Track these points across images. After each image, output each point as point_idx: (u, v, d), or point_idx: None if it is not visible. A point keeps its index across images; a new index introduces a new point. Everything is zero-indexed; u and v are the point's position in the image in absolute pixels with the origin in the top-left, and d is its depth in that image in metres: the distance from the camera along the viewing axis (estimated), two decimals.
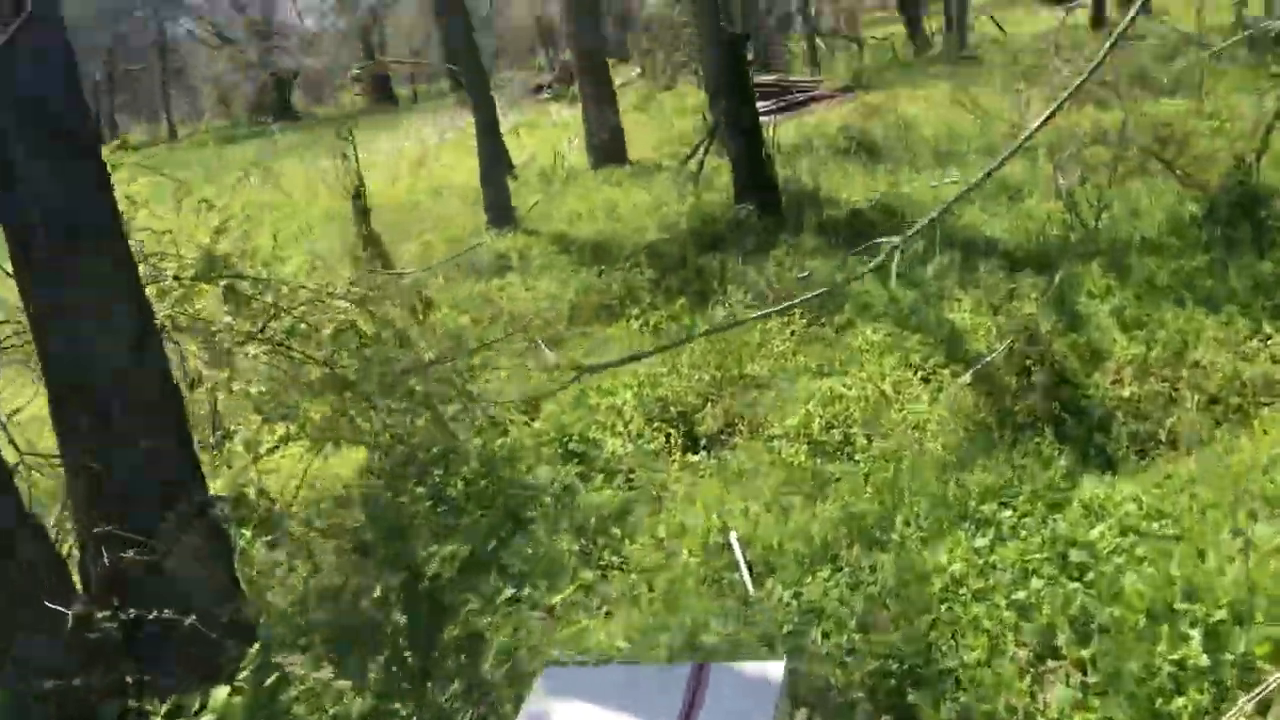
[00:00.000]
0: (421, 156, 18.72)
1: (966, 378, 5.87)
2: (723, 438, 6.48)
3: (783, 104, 18.83)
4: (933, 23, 28.98)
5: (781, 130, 14.33)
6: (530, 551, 4.95)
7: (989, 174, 2.99)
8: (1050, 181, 8.90)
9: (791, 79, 22.03)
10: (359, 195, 5.95)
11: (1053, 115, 2.97)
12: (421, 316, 5.96)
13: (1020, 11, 36.84)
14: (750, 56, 12.28)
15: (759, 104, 12.31)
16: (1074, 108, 13.78)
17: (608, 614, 4.49)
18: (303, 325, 5.11)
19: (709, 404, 6.75)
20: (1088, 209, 8.13)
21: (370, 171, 17.64)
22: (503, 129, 14.33)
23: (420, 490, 5.45)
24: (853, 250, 5.05)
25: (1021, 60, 17.67)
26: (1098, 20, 24.76)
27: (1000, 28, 28.35)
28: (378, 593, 4.43)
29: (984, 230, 9.21)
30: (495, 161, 12.58)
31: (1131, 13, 2.72)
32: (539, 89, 27.78)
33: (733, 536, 4.81)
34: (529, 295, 9.51)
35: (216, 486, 4.56)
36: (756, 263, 9.37)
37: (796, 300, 5.73)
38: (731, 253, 9.82)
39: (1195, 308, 6.58)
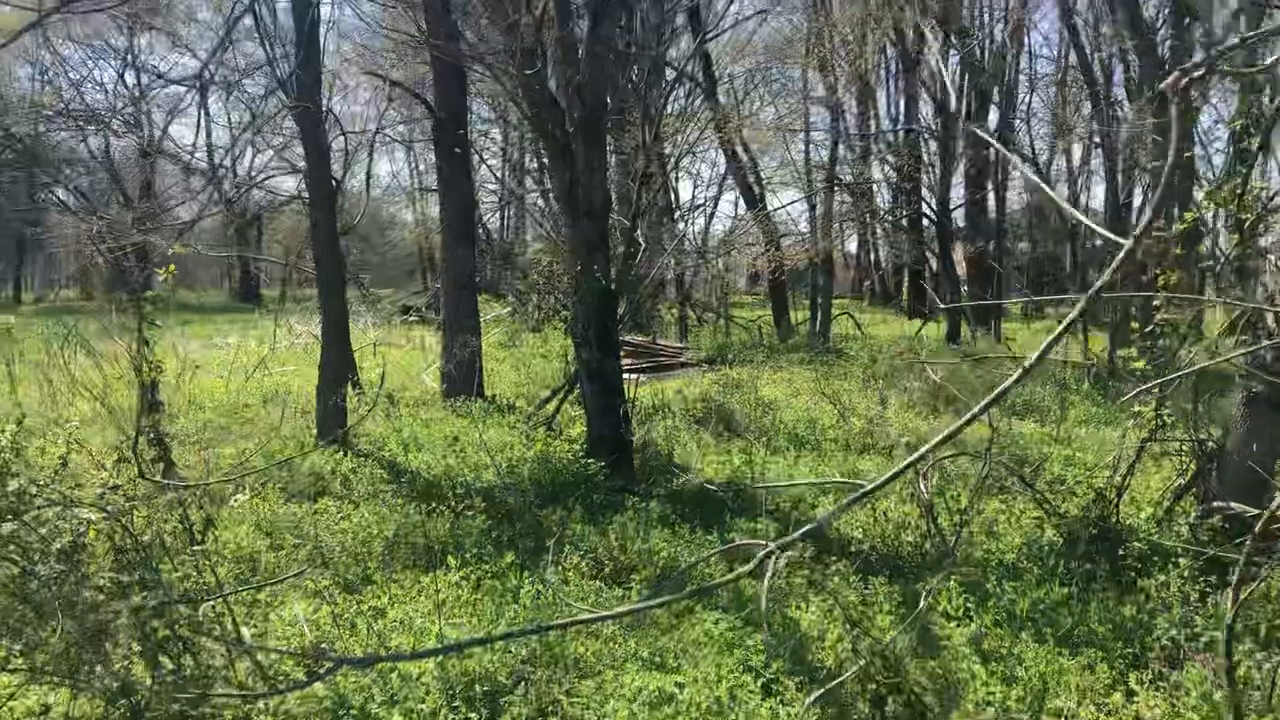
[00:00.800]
0: (264, 359, 17.73)
1: (812, 698, 5.16)
2: None
3: (648, 365, 18.79)
4: (797, 314, 30.24)
5: (643, 390, 14.06)
6: None
7: (892, 478, 2.46)
8: (910, 485, 8.60)
9: (660, 343, 22.23)
10: (152, 387, 5.04)
11: (959, 430, 2.46)
12: (200, 536, 4.98)
13: (876, 313, 39.09)
14: (620, 312, 12.06)
15: (624, 361, 12.02)
16: (935, 415, 14.02)
17: None
18: (40, 531, 4.09)
19: (522, 685, 5.84)
20: (947, 520, 7.79)
21: (206, 368, 16.63)
22: (363, 343, 13.68)
23: None
24: (723, 547, 4.46)
25: (881, 363, 18.28)
26: (952, 335, 26.14)
27: (859, 327, 29.73)
28: None
29: (837, 526, 8.78)
30: (337, 373, 11.78)
31: (1054, 334, 2.28)
32: (407, 310, 27.41)
33: None
34: (343, 526, 8.52)
35: None
36: (600, 525, 8.67)
37: (647, 603, 4.97)
38: (575, 510, 9.13)
39: (1056, 646, 6.13)
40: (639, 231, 14.01)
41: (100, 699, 4.10)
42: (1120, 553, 7.09)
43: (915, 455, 2.54)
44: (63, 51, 42.89)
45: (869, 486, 2.62)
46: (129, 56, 45.39)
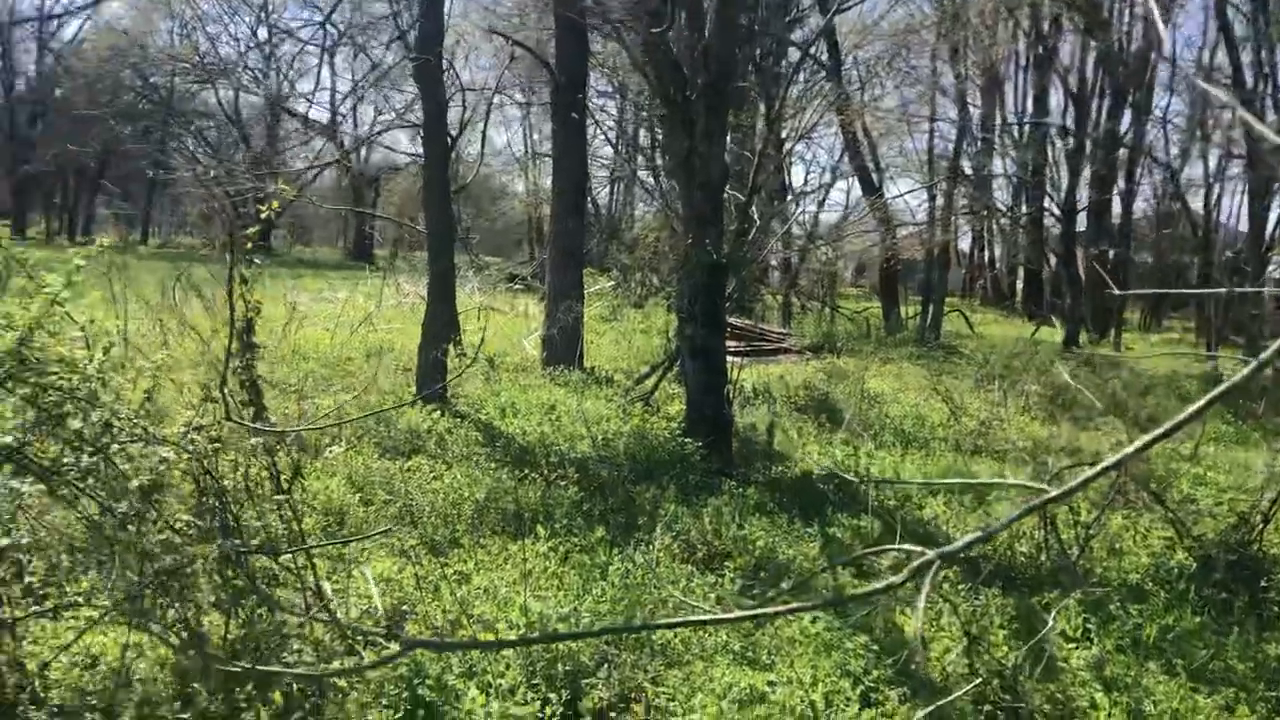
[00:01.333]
0: (369, 315, 17.81)
1: (920, 716, 4.75)
2: (612, 715, 5.26)
3: (751, 349, 18.36)
4: (907, 309, 29.39)
5: (744, 374, 13.67)
6: None
7: (1083, 484, 2.06)
8: (1026, 494, 8.05)
9: (764, 327, 21.76)
10: (247, 327, 4.87)
11: (1172, 432, 2.05)
12: (287, 485, 4.79)
13: (988, 313, 37.87)
14: (729, 290, 11.67)
15: (728, 343, 11.65)
16: (1052, 421, 13.31)
17: None
18: (122, 467, 3.93)
19: (605, 667, 5.55)
20: (1069, 533, 7.25)
21: (313, 320, 16.74)
22: (467, 307, 13.58)
23: (213, 709, 4.14)
24: (871, 549, 4.10)
25: (997, 362, 17.52)
26: (1070, 340, 25.07)
27: (971, 325, 28.76)
28: None
29: (946, 529, 8.30)
30: (439, 331, 11.67)
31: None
32: (513, 278, 27.43)
33: None
34: (434, 485, 8.36)
35: None
36: (694, 507, 8.35)
37: (776, 610, 4.63)
38: (669, 489, 8.82)
39: (1188, 680, 5.59)
40: (753, 209, 13.57)
41: (169, 646, 3.94)
42: (1263, 584, 6.48)
43: (1112, 460, 2.15)
44: (201, 6, 44.12)
45: (1053, 493, 2.24)
46: (262, 12, 46.49)
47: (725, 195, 10.92)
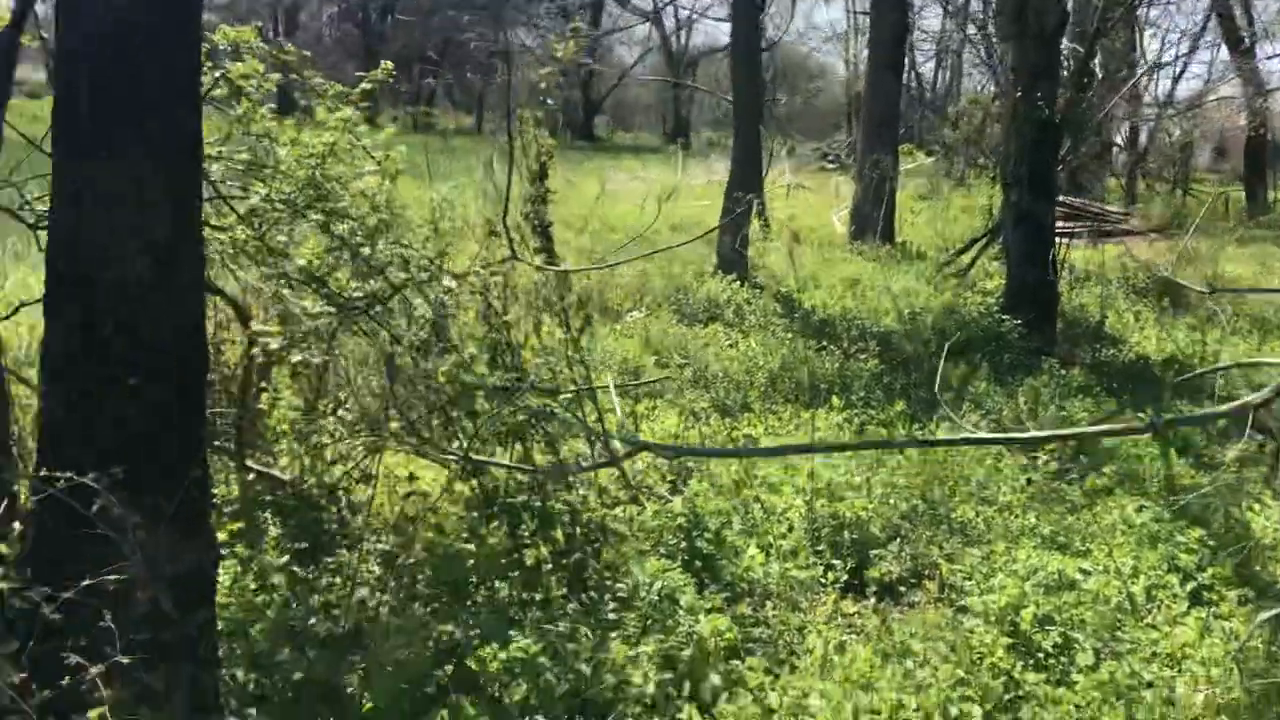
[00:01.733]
0: (676, 188, 17.81)
1: (1265, 617, 4.07)
2: (901, 590, 4.94)
3: (1086, 228, 16.76)
4: (1277, 191, 25.82)
5: (1075, 254, 12.46)
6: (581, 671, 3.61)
7: None
8: None
9: (1101, 205, 19.83)
10: (540, 172, 4.80)
11: None
12: (577, 331, 4.75)
13: None
14: (1062, 153, 10.53)
15: (1060, 224, 10.60)
16: None
17: None
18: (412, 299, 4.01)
19: (896, 540, 5.22)
20: None
21: (625, 198, 16.98)
22: (775, 184, 13.24)
23: (493, 541, 4.23)
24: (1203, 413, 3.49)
25: None
26: None
27: None
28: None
29: None
30: (743, 206, 11.41)
31: None
32: (825, 156, 26.65)
33: None
34: (730, 353, 8.21)
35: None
36: (1008, 386, 7.70)
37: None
38: (980, 366, 8.18)
39: None
40: (1094, 62, 12.14)
41: (450, 473, 4.03)
42: None
43: None
44: None
45: None
46: None
47: (1062, 47, 9.76)
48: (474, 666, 3.48)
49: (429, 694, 3.42)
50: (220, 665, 3.29)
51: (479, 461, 3.95)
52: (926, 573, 5.03)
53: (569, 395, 4.48)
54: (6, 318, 3.69)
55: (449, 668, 3.50)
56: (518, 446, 4.21)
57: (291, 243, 3.79)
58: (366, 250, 3.77)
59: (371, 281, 3.78)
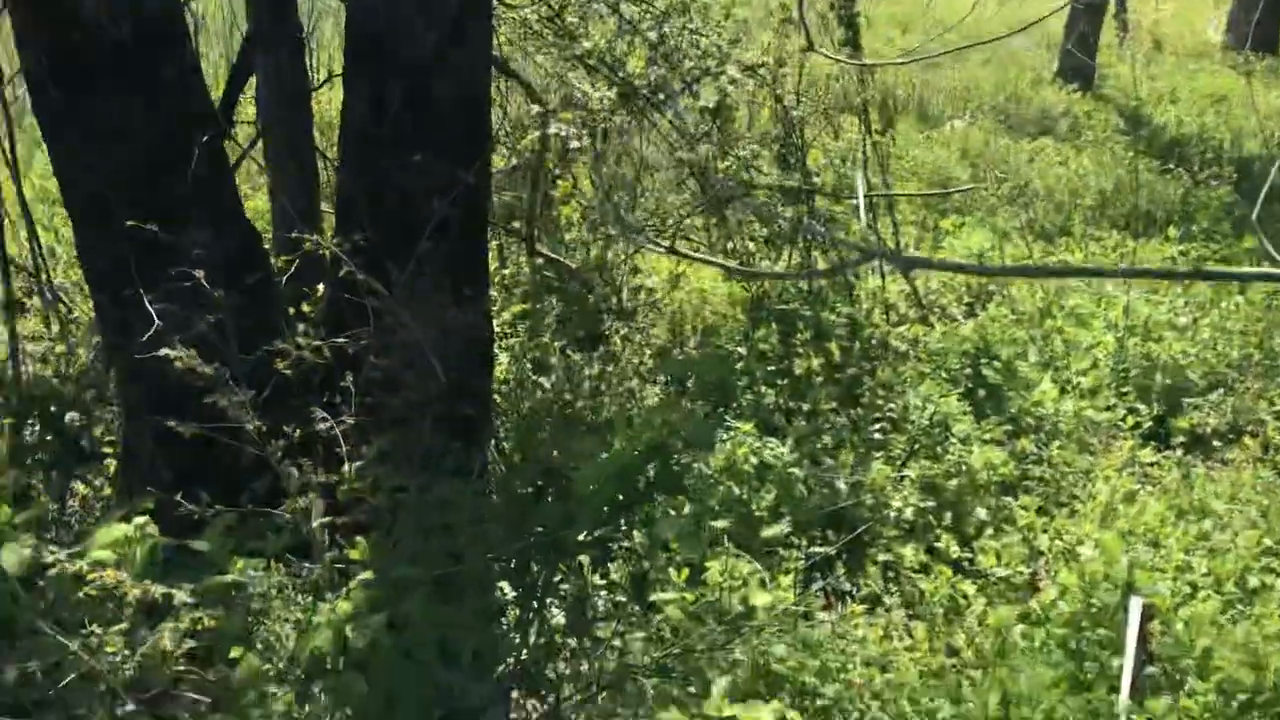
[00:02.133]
0: None
1: None
2: (1215, 445, 4.44)
3: None
4: None
5: None
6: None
7: None
8: None
9: None
10: None
11: None
12: (878, 129, 4.44)
13: None
14: None
15: None
16: None
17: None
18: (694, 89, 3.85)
19: (1218, 390, 4.66)
20: None
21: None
22: None
23: (764, 347, 4.16)
24: None
25: None
26: None
27: None
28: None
29: None
30: (1091, 9, 10.14)
31: None
32: None
33: (1135, 607, 2.98)
34: (1057, 171, 7.47)
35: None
36: None
37: None
38: None
39: None
40: None
41: (720, 272, 3.94)
42: None
43: None
44: None
45: None
46: None
47: None
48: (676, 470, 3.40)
49: (638, 489, 3.40)
50: (493, 436, 3.46)
51: (748, 273, 3.82)
52: (1250, 429, 4.48)
53: (853, 201, 4.22)
54: (318, 88, 3.89)
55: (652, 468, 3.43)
56: (794, 253, 4.04)
57: (582, 25, 3.71)
58: (653, 35, 3.62)
59: (655, 67, 3.64)
